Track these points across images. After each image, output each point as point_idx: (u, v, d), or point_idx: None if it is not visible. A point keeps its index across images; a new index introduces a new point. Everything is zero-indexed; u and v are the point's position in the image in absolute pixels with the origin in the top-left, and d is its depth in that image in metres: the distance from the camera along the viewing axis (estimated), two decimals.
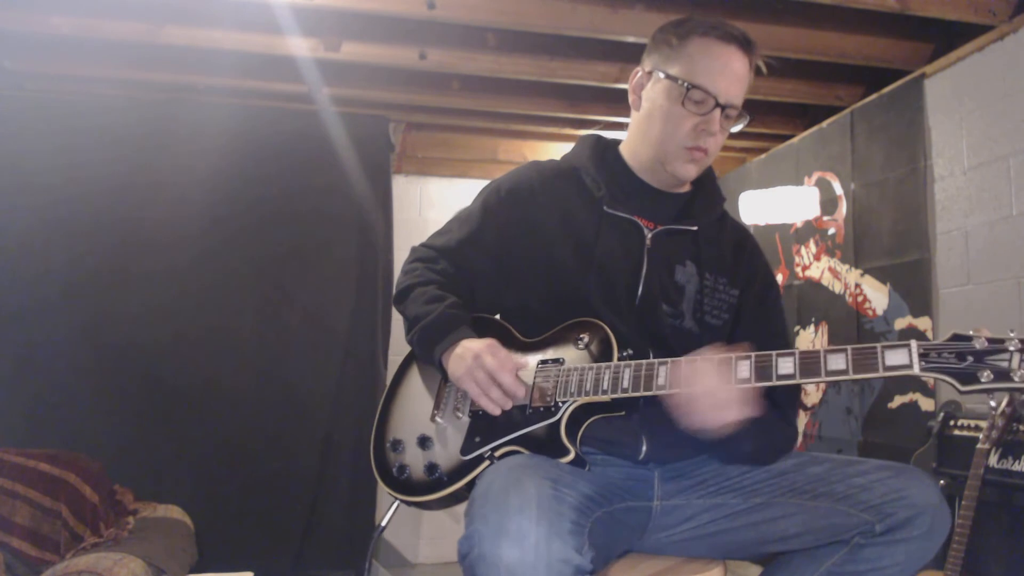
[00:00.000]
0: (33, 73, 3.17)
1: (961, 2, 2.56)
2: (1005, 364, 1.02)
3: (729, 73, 1.37)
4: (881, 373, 1.08)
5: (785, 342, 1.52)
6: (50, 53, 3.04)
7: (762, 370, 1.17)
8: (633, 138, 1.50)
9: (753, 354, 1.19)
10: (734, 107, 1.38)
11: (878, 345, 1.10)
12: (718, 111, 1.37)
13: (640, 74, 1.47)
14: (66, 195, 3.10)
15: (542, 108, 3.48)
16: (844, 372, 1.11)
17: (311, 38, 2.87)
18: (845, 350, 1.12)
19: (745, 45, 1.39)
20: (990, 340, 1.04)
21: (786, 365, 1.16)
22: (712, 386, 1.18)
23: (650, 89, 1.44)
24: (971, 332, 1.06)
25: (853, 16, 2.78)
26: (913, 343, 1.08)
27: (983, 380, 1.03)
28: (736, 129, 1.43)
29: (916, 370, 1.07)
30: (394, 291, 1.53)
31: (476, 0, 2.64)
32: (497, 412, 1.31)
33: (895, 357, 1.08)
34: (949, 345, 1.06)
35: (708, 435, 1.23)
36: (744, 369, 1.18)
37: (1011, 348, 1.03)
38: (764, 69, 1.46)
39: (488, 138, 4.05)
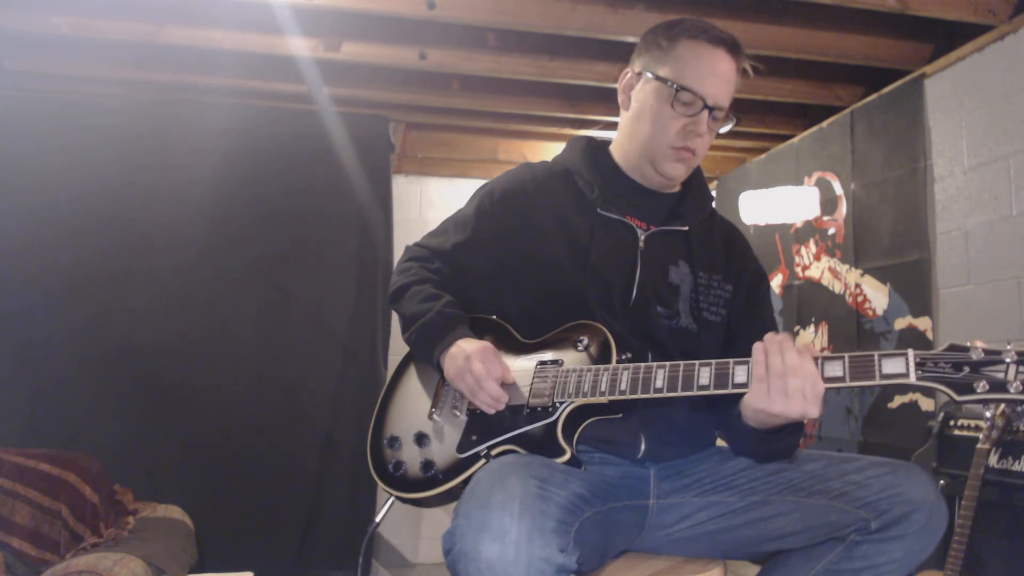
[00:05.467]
0: (33, 73, 3.17)
1: (961, 2, 2.56)
2: (1001, 376, 1.03)
3: (717, 75, 1.38)
4: (878, 381, 1.09)
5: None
6: (50, 53, 3.04)
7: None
8: (622, 138, 1.51)
9: (732, 360, 1.19)
10: (721, 109, 1.40)
11: (875, 353, 1.10)
12: (706, 113, 1.38)
13: (630, 75, 1.48)
14: (66, 195, 3.11)
15: (542, 108, 3.48)
16: (841, 379, 1.11)
17: (311, 38, 2.87)
18: (842, 357, 1.12)
19: (733, 48, 1.39)
20: (986, 351, 1.05)
21: None
22: (815, 376, 1.12)
23: (639, 90, 1.46)
24: (968, 343, 1.06)
25: (853, 16, 2.78)
26: (910, 352, 1.08)
27: (979, 390, 1.04)
28: (724, 130, 1.45)
29: (912, 379, 1.07)
30: (390, 290, 1.54)
31: (476, 0, 2.64)
32: (491, 411, 1.32)
33: (892, 365, 1.08)
34: (946, 355, 1.07)
35: (770, 424, 1.21)
36: (705, 376, 1.19)
37: (1007, 360, 1.03)
38: (751, 72, 1.47)
39: (488, 138, 4.05)
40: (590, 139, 1.57)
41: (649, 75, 1.43)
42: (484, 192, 1.56)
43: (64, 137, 3.13)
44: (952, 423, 2.41)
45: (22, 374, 2.98)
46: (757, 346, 1.17)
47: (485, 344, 1.36)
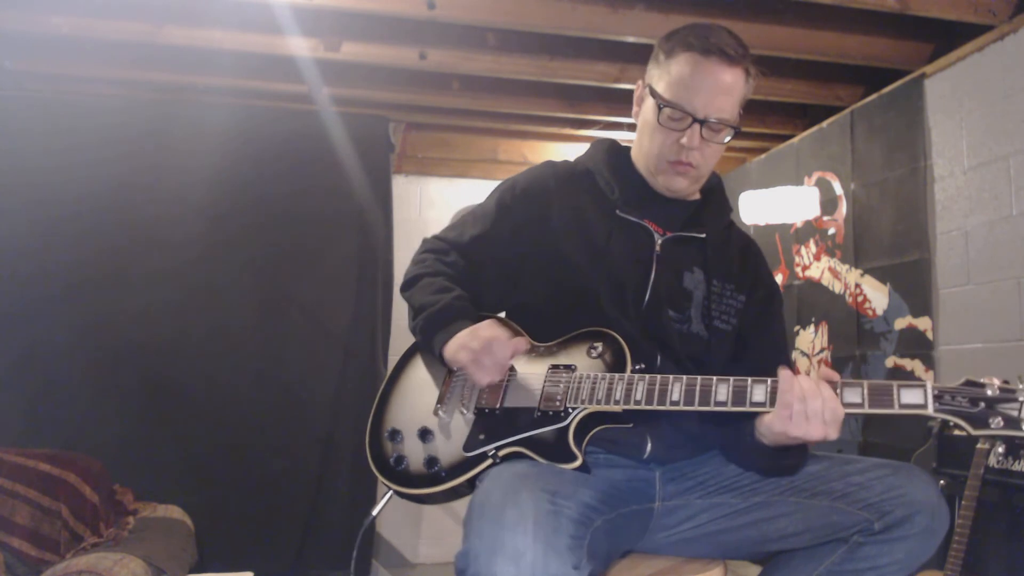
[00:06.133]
0: (33, 73, 3.17)
1: (961, 2, 2.56)
2: (1015, 413, 1.08)
3: (709, 88, 1.36)
4: (896, 410, 1.13)
5: (784, 351, 1.54)
6: (50, 53, 3.04)
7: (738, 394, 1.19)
8: (636, 146, 1.53)
9: (769, 380, 1.19)
10: (718, 121, 1.37)
11: (894, 383, 1.13)
12: (697, 127, 1.37)
13: (640, 86, 1.49)
14: (66, 195, 3.10)
15: (542, 108, 3.48)
16: (860, 405, 1.14)
17: (311, 38, 2.87)
18: (861, 384, 1.15)
19: (727, 56, 1.35)
20: (1002, 388, 1.10)
21: None
22: (834, 402, 1.16)
23: (644, 102, 1.47)
24: (983, 380, 1.11)
25: (853, 16, 2.78)
26: (928, 384, 1.12)
27: (994, 426, 1.09)
28: (727, 140, 1.42)
29: (930, 410, 1.11)
30: (403, 279, 1.54)
31: (476, 0, 2.64)
32: (485, 381, 1.31)
33: (911, 396, 1.12)
34: (963, 390, 1.11)
35: (785, 443, 1.23)
36: (723, 393, 1.20)
37: (1021, 398, 1.08)
38: (756, 74, 1.43)
39: (488, 138, 4.05)
40: (613, 142, 1.58)
41: (648, 89, 1.44)
42: (505, 187, 1.56)
43: (64, 137, 3.13)
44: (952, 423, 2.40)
45: (22, 374, 2.98)
46: (783, 372, 1.19)
47: (490, 320, 1.37)
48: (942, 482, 2.30)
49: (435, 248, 1.56)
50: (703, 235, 1.48)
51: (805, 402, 1.15)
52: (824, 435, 1.15)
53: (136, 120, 3.23)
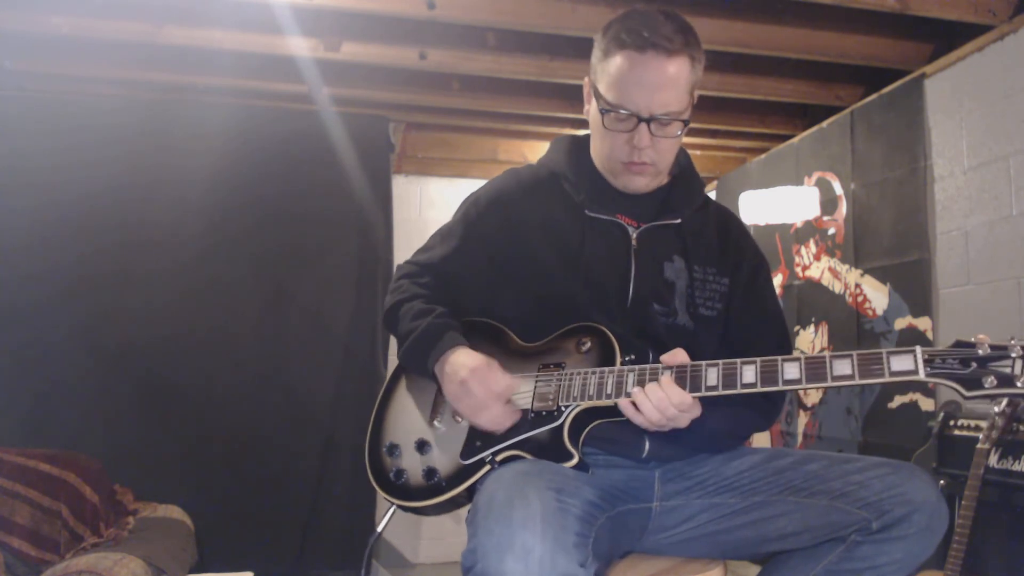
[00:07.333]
0: (33, 73, 3.17)
1: (961, 2, 2.56)
2: (1008, 370, 1.05)
3: (650, 84, 1.30)
4: (887, 379, 1.09)
5: (779, 322, 1.51)
6: (50, 53, 3.04)
7: (767, 375, 1.17)
8: (591, 145, 1.49)
9: (759, 359, 1.19)
10: (665, 115, 1.32)
11: (883, 351, 1.11)
12: (644, 126, 1.32)
13: (587, 83, 1.44)
14: (66, 195, 3.10)
15: (542, 108, 3.48)
16: (850, 377, 1.12)
17: (311, 38, 2.87)
18: (851, 355, 1.12)
19: (665, 49, 1.29)
20: (993, 347, 1.06)
21: (792, 370, 1.16)
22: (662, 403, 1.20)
23: (592, 101, 1.42)
24: (974, 339, 1.07)
25: (853, 16, 2.78)
26: (918, 349, 1.09)
27: (987, 386, 1.05)
28: (679, 133, 1.37)
29: (921, 375, 1.08)
30: (383, 310, 1.51)
31: (476, 0, 2.64)
32: (497, 431, 1.30)
33: (901, 363, 1.09)
34: (953, 351, 1.08)
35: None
36: (713, 377, 1.20)
37: (1013, 355, 1.05)
38: (703, 57, 1.36)
39: (488, 138, 4.05)
40: (573, 139, 1.54)
41: (592, 88, 1.40)
42: (470, 202, 1.53)
43: (64, 137, 3.13)
44: (952, 423, 2.41)
45: (22, 374, 2.98)
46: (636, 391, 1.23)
47: (479, 362, 1.31)
48: (942, 482, 2.31)
49: (408, 273, 1.52)
50: (678, 220, 1.45)
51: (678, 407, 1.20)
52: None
53: (136, 120, 3.23)
